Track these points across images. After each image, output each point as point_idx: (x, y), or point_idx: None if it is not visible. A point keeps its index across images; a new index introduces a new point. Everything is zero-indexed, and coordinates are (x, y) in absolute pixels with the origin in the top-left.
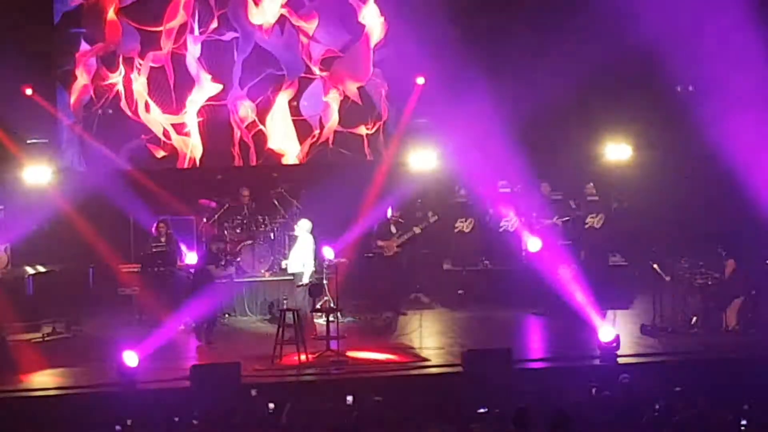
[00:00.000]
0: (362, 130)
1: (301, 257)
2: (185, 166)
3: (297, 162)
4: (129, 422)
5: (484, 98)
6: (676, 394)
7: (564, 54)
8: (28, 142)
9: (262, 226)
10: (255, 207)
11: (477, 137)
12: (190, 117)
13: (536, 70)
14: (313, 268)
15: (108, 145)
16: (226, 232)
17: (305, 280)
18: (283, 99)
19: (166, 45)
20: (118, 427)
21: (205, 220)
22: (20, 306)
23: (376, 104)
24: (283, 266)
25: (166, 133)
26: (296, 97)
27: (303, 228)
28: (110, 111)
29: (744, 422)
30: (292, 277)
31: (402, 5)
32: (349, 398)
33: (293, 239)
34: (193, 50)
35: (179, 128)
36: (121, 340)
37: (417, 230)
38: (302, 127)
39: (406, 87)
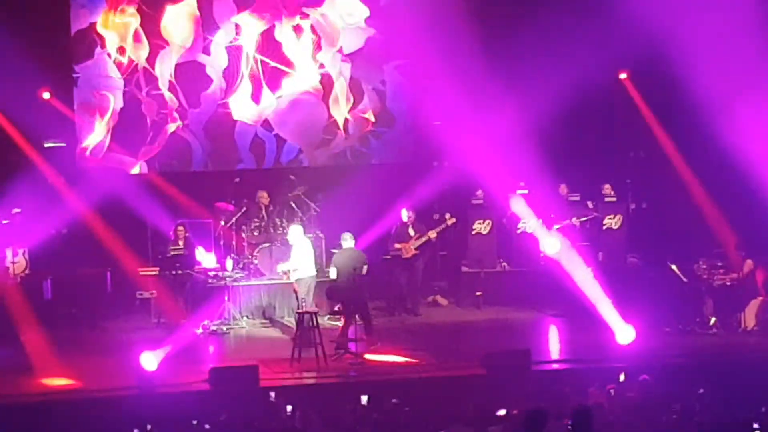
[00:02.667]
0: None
1: (300, 262)
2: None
3: (311, 165)
4: (149, 427)
5: (502, 100)
6: (694, 396)
7: (580, 56)
8: (46, 145)
9: (280, 228)
10: (272, 210)
11: (494, 139)
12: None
13: (553, 72)
14: (314, 273)
15: (126, 149)
16: (243, 235)
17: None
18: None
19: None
20: (135, 431)
21: (222, 223)
22: (38, 310)
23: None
24: (278, 271)
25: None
26: (326, 94)
27: (296, 234)
28: None
29: (756, 426)
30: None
31: (420, 10)
32: (364, 398)
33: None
34: (215, 57)
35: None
36: (140, 343)
37: (432, 234)
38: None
39: (423, 90)
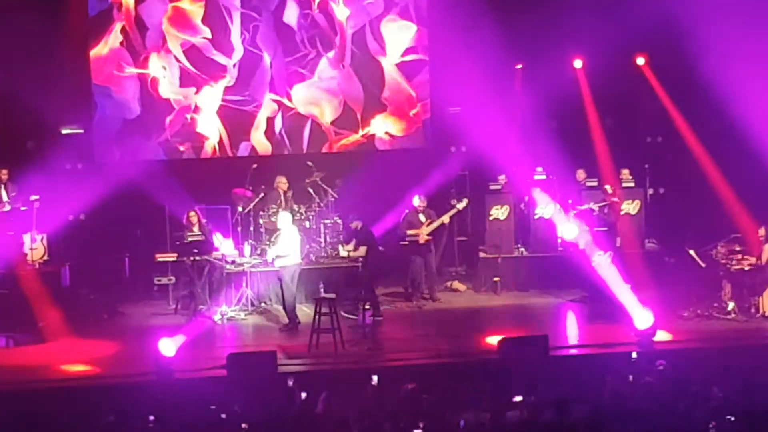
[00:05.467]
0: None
1: (286, 249)
2: (212, 154)
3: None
4: (165, 413)
5: (520, 85)
6: (712, 381)
7: (598, 41)
8: (63, 132)
9: (298, 214)
10: (291, 196)
11: (513, 124)
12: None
13: (571, 56)
14: (299, 260)
15: (143, 134)
16: (261, 221)
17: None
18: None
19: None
20: (151, 418)
21: (240, 209)
22: (57, 296)
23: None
24: (268, 258)
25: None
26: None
27: (285, 221)
28: None
29: None
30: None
31: None
32: (374, 378)
33: (278, 232)
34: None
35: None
36: (158, 329)
37: (445, 219)
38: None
39: (441, 77)
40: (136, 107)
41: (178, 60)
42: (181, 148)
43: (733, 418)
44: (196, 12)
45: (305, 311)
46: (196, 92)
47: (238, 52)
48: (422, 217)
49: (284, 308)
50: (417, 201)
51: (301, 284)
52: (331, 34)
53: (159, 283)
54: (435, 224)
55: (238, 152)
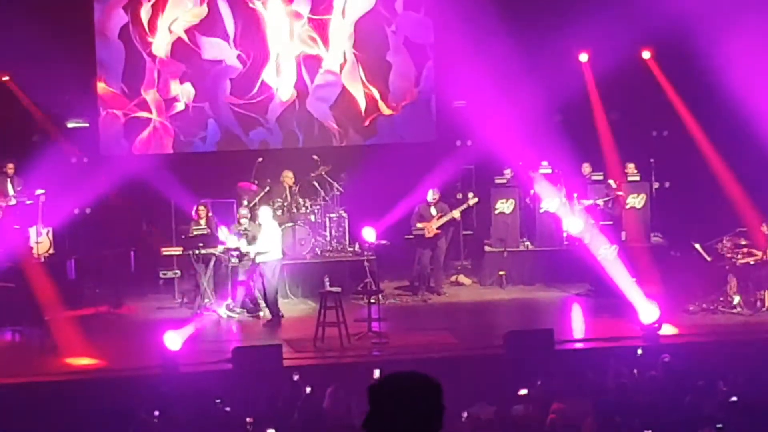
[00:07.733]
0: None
1: (267, 245)
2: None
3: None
4: (170, 406)
5: (526, 79)
6: (718, 375)
7: (603, 35)
8: (69, 125)
9: (303, 208)
10: (296, 190)
11: (518, 118)
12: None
13: (577, 50)
14: (280, 256)
15: (146, 128)
16: None
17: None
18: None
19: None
20: (156, 413)
21: (245, 203)
22: (62, 290)
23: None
24: (250, 253)
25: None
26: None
27: (265, 216)
28: None
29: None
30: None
31: None
32: (376, 372)
33: (260, 227)
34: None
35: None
36: (163, 323)
37: (456, 214)
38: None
39: (447, 70)
40: (142, 101)
41: (183, 53)
42: (188, 139)
43: (735, 398)
44: (203, 8)
45: (311, 305)
46: (201, 87)
47: (244, 46)
48: (433, 211)
49: (266, 303)
50: (431, 195)
51: (299, 279)
52: (335, 27)
53: (164, 276)
54: (445, 218)
55: (247, 144)
